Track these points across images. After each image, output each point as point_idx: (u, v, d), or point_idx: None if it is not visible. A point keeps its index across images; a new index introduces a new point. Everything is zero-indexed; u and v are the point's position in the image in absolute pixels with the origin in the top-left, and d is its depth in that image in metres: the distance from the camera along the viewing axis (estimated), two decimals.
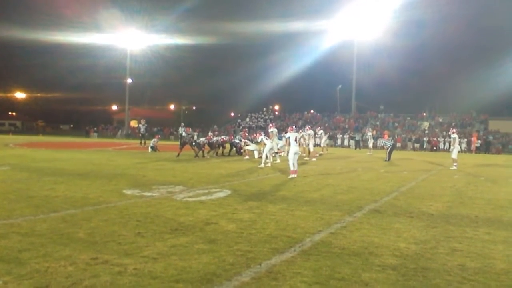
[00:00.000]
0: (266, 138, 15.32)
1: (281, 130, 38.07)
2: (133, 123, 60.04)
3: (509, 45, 52.84)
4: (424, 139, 37.17)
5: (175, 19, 56.44)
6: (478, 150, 33.96)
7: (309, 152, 18.75)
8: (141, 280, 3.51)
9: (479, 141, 34.87)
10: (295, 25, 50.01)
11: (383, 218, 6.23)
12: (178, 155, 17.74)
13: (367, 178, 11.86)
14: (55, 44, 51.24)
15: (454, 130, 16.83)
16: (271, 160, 15.14)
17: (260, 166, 14.16)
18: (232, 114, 67.51)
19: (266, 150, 14.63)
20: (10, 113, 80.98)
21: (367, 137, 28.13)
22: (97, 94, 77.82)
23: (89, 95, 78.17)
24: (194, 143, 18.10)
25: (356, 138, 35.95)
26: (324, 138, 24.72)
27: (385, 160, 18.84)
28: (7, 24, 56.85)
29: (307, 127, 20.43)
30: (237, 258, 4.16)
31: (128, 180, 9.74)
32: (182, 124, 30.41)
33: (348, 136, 39.13)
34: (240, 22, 58.90)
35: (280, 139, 16.24)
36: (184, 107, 76.90)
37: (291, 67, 58.57)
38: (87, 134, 49.33)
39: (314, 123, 43.85)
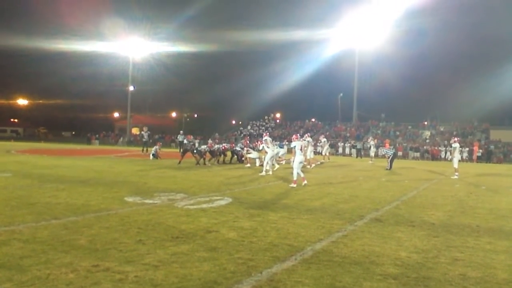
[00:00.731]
0: (267, 146, 15.36)
1: (283, 138, 38.23)
2: (135, 130, 60.23)
3: (510, 54, 53.06)
4: (425, 147, 37.13)
5: (177, 27, 56.99)
6: (479, 159, 33.91)
7: (308, 160, 18.75)
8: None
9: (481, 151, 34.83)
10: (297, 34, 50.44)
11: (384, 227, 6.22)
12: (180, 162, 17.77)
13: (369, 187, 11.85)
14: (58, 52, 51.79)
15: (456, 139, 16.83)
16: (274, 167, 15.14)
17: (261, 174, 14.18)
18: (234, 122, 67.65)
19: (267, 158, 14.68)
20: (12, 119, 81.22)
21: (369, 145, 28.10)
22: (99, 101, 78.45)
23: (91, 102, 78.78)
24: (195, 151, 18.12)
25: (358, 147, 35.97)
26: (326, 146, 24.75)
27: (387, 169, 18.83)
28: (11, 32, 57.48)
29: (306, 135, 20.50)
30: (238, 266, 4.16)
31: (129, 188, 9.74)
32: (181, 131, 30.43)
33: (349, 144, 39.15)
34: (242, 31, 59.32)
35: (281, 147, 16.24)
36: (185, 115, 77.17)
37: (292, 75, 58.95)
38: (88, 141, 49.39)
39: (315, 131, 43.94)
